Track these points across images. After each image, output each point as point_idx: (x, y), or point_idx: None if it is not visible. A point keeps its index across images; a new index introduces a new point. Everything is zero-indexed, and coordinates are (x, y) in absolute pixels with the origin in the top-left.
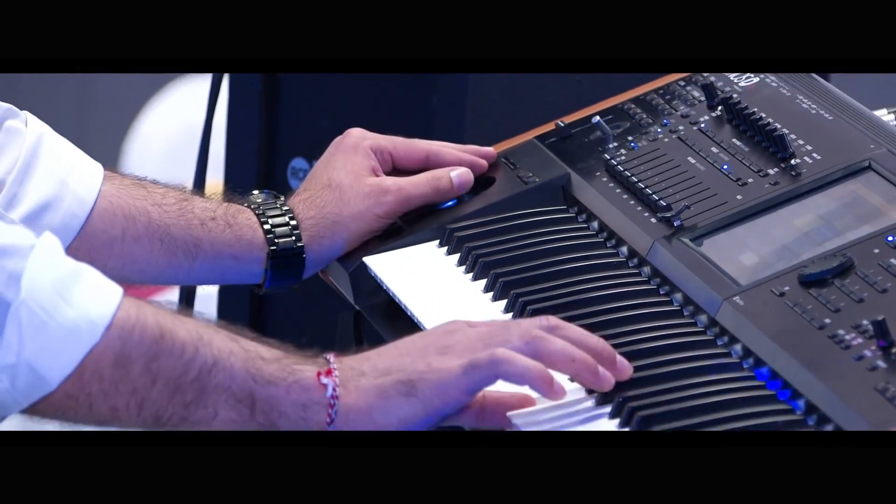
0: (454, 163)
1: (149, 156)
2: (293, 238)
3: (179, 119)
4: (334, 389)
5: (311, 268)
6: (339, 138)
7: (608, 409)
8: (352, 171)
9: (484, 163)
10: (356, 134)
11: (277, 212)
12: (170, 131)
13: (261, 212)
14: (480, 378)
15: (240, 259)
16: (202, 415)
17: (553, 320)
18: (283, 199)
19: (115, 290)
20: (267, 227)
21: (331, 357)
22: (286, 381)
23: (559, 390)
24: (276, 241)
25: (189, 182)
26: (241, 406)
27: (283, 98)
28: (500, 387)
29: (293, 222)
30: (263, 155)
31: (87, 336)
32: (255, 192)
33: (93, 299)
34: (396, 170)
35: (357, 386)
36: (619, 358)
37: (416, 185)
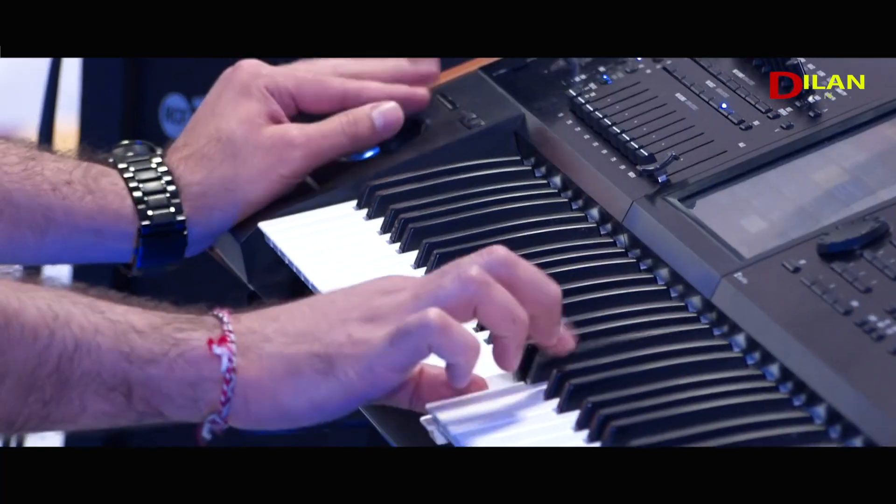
0: (380, 99)
1: None
2: (172, 210)
3: None
4: (230, 360)
5: (197, 243)
6: (227, 72)
7: (575, 415)
8: (246, 120)
9: (421, 94)
10: (248, 69)
11: (151, 174)
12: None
13: (130, 174)
14: (410, 349)
15: (103, 234)
16: (66, 411)
17: (502, 252)
18: (159, 153)
19: None
20: (138, 194)
21: (224, 315)
22: (168, 356)
23: (480, 384)
24: (149, 213)
25: (33, 127)
26: (114, 395)
27: None
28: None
29: (171, 188)
30: (130, 90)
31: None
32: (123, 143)
33: None
34: (302, 111)
35: (260, 355)
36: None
37: (329, 133)
